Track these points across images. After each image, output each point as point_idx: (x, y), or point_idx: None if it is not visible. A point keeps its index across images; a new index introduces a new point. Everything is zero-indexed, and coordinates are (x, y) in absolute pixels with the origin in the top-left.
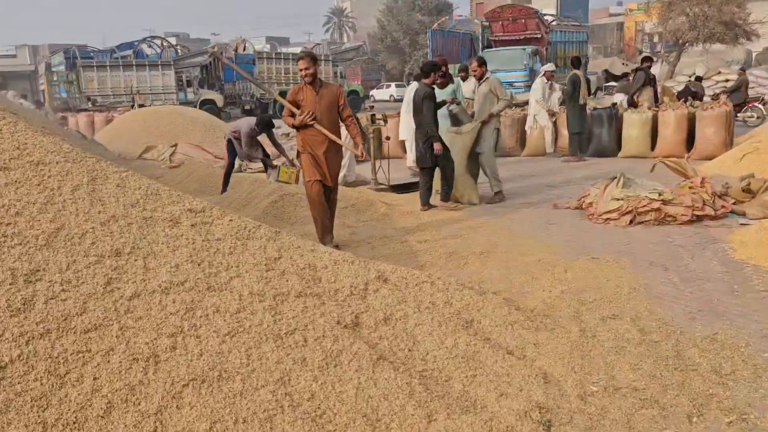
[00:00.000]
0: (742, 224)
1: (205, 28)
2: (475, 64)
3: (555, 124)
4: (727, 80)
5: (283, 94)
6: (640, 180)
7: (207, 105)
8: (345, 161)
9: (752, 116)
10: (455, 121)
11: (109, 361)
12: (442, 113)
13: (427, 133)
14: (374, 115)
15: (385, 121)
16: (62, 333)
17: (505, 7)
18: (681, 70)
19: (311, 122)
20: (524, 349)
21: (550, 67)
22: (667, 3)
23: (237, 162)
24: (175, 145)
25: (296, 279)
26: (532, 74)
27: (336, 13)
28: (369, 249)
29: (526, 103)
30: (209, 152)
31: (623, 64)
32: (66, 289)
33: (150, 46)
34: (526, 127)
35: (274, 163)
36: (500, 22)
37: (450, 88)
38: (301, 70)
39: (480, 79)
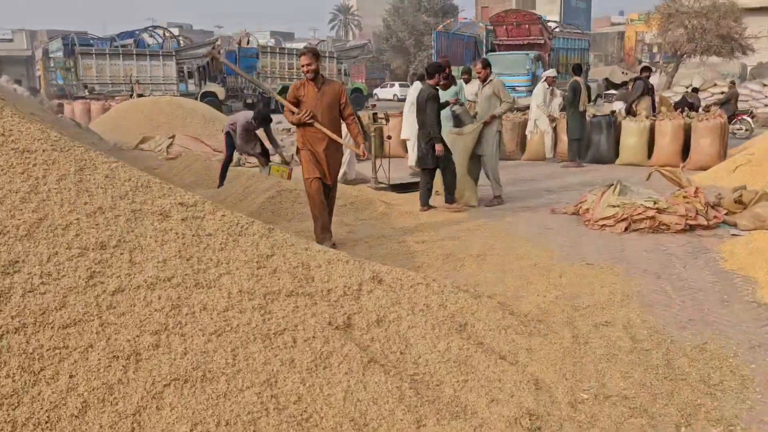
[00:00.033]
0: (733, 235)
1: (210, 21)
2: (479, 66)
3: (555, 129)
4: (722, 92)
5: (286, 89)
6: (636, 188)
7: (208, 97)
8: (345, 158)
9: (741, 128)
10: (458, 122)
11: (87, 359)
12: (444, 114)
13: (429, 133)
14: (376, 113)
15: (387, 120)
16: (39, 328)
17: (509, 11)
18: (678, 80)
19: (309, 121)
20: (517, 354)
21: (551, 72)
22: (666, 15)
23: (236, 156)
24: (173, 137)
25: (288, 278)
26: (534, 79)
27: (342, 10)
28: (366, 248)
29: (528, 107)
30: (207, 145)
31: (623, 72)
32: (45, 282)
33: (152, 36)
34: (527, 132)
35: (271, 159)
36: (504, 27)
37: (452, 89)
38: (303, 66)
39: (484, 81)
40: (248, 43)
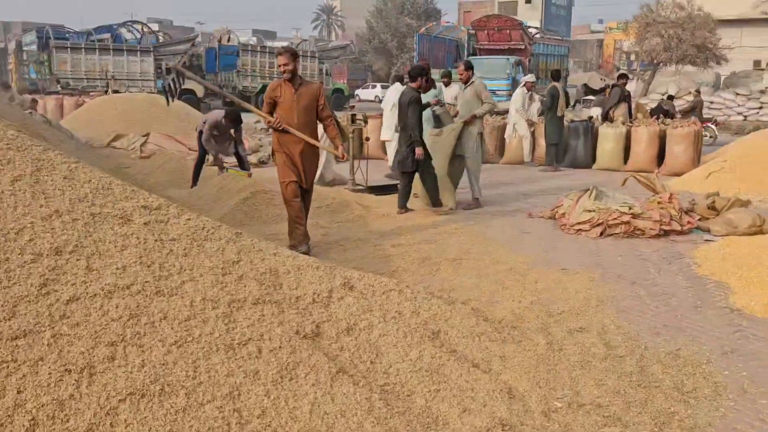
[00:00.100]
0: (706, 240)
1: (192, 18)
2: (462, 67)
3: (533, 134)
4: (687, 101)
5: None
6: (612, 193)
7: (187, 95)
8: (321, 160)
9: (706, 135)
10: (438, 122)
11: (37, 373)
12: (425, 116)
13: (410, 137)
14: (354, 115)
15: (366, 122)
16: None
17: (491, 16)
18: (655, 88)
19: (280, 128)
20: (490, 362)
21: (530, 77)
22: (644, 24)
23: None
24: (147, 135)
25: (255, 285)
26: (515, 84)
27: (325, 10)
28: (341, 252)
29: (507, 111)
30: (183, 143)
31: (601, 79)
32: None
33: (130, 31)
34: (505, 136)
35: (225, 164)
36: (486, 31)
37: (432, 92)
38: (280, 66)
39: (466, 82)
40: (229, 40)
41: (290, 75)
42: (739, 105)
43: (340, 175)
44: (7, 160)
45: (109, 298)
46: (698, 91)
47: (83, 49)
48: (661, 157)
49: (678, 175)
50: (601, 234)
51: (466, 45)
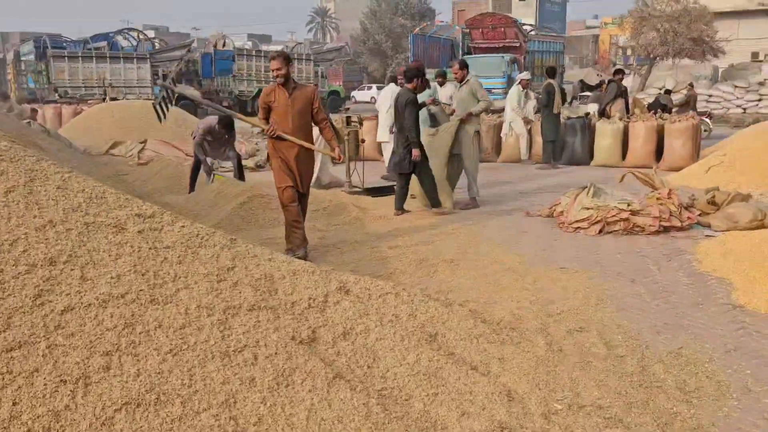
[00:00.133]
0: (707, 236)
1: (188, 23)
2: (456, 66)
3: (530, 131)
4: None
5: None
6: (610, 190)
7: (184, 101)
8: (317, 163)
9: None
10: (434, 121)
11: (32, 384)
12: (422, 118)
13: (407, 138)
14: (350, 117)
15: (361, 124)
16: None
17: (485, 15)
18: (652, 83)
19: (274, 136)
20: (489, 364)
21: (525, 75)
22: (639, 19)
23: (209, 161)
24: (145, 141)
25: (250, 291)
26: (510, 81)
27: (320, 13)
28: (338, 254)
29: (503, 110)
30: (180, 149)
31: (598, 75)
32: None
33: (126, 38)
34: (502, 134)
35: (213, 171)
36: (480, 30)
37: (426, 92)
38: (273, 70)
39: (461, 81)
40: (224, 45)
41: (284, 79)
42: (737, 98)
43: (337, 178)
44: (1, 171)
45: (104, 307)
46: (691, 85)
47: (80, 58)
48: (659, 152)
49: (677, 170)
50: (600, 231)
51: (460, 44)
